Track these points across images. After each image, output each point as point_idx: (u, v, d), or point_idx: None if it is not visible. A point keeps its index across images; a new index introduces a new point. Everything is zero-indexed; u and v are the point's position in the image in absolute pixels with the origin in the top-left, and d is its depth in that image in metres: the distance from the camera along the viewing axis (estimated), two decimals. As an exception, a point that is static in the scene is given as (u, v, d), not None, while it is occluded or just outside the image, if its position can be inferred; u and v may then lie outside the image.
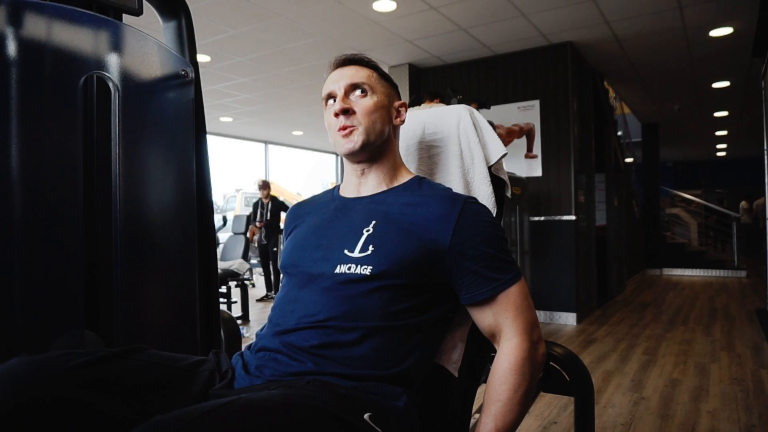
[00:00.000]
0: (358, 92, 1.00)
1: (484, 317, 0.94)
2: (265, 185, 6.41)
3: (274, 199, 6.44)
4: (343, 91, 1.00)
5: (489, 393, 0.90)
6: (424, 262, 0.91)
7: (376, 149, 1.02)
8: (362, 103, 0.99)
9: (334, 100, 1.00)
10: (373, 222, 0.96)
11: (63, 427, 0.71)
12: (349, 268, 0.91)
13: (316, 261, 0.95)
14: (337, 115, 0.99)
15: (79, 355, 0.78)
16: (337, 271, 0.91)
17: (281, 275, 1.07)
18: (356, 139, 0.98)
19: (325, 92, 1.02)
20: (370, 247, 0.92)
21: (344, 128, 0.98)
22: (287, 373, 0.86)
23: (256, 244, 6.37)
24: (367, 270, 0.89)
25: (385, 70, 5.78)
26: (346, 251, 0.93)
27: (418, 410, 0.86)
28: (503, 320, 0.92)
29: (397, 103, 1.07)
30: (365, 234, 0.94)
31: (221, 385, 0.87)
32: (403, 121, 1.07)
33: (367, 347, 0.86)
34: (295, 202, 5.10)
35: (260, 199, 6.43)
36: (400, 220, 0.94)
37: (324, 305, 0.89)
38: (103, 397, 0.75)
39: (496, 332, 0.94)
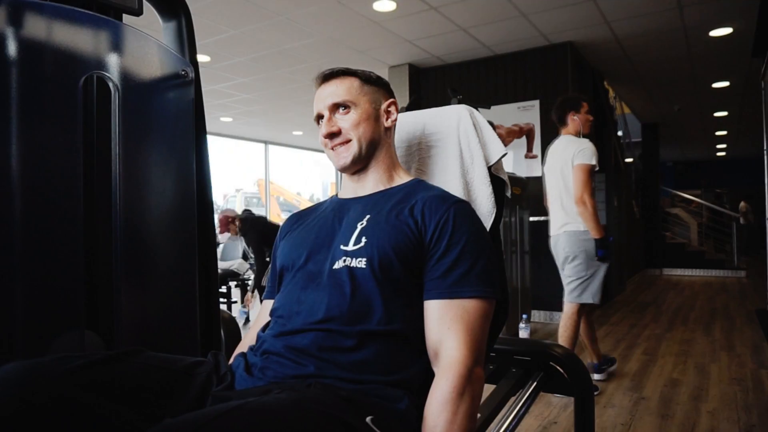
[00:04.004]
0: (341, 110, 1.02)
1: (431, 324, 0.88)
2: (225, 220, 4.44)
3: (247, 225, 4.45)
4: (328, 112, 1.03)
5: (426, 419, 0.81)
6: (412, 255, 0.91)
7: (369, 156, 1.04)
8: (346, 119, 1.02)
9: (323, 119, 1.04)
10: (368, 216, 0.98)
11: (62, 429, 0.71)
12: (344, 261, 0.92)
13: (316, 259, 0.97)
14: (326, 137, 1.03)
15: (75, 358, 0.78)
16: (335, 267, 0.92)
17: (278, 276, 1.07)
18: (347, 155, 1.02)
19: (314, 112, 1.06)
20: (363, 239, 0.93)
21: (335, 147, 1.03)
22: (289, 375, 0.86)
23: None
24: (362, 263, 0.91)
25: (385, 70, 5.70)
26: (341, 246, 0.95)
27: (418, 412, 0.86)
28: (447, 331, 0.86)
29: (385, 104, 1.07)
30: (359, 227, 0.96)
31: (222, 387, 0.88)
32: (395, 121, 1.08)
33: (368, 352, 0.87)
34: (295, 201, 5.03)
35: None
36: (391, 215, 0.96)
37: (325, 305, 0.89)
38: (101, 399, 0.75)
39: (438, 347, 0.86)
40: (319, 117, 1.05)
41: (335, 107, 1.03)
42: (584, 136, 2.85)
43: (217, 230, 4.46)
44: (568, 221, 2.75)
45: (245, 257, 5.12)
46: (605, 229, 2.73)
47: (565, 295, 2.81)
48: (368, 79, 1.06)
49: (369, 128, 1.03)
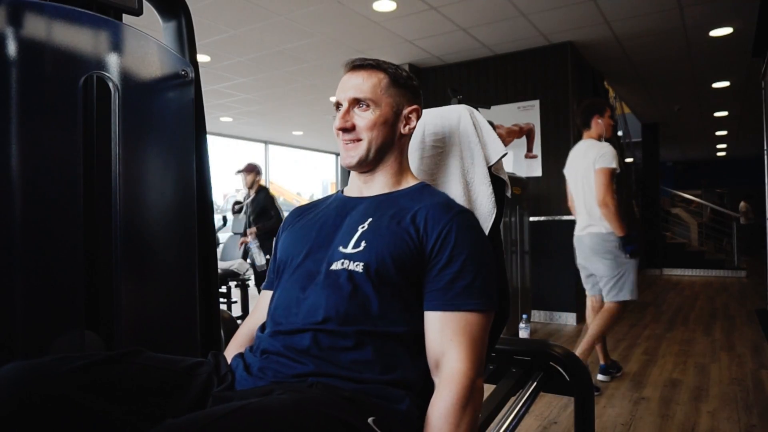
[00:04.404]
0: (361, 105, 1.01)
1: (432, 335, 0.89)
2: (250, 168, 4.69)
3: (264, 189, 4.75)
4: (347, 104, 1.01)
5: (428, 430, 0.81)
6: (410, 263, 0.91)
7: (378, 159, 1.03)
8: (363, 117, 1.00)
9: (341, 108, 1.03)
10: (370, 219, 0.97)
11: (62, 429, 0.71)
12: (342, 263, 0.92)
13: (315, 258, 0.97)
14: (338, 131, 1.02)
15: (75, 358, 0.78)
16: (333, 268, 0.92)
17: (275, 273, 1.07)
18: (354, 155, 1.01)
19: (335, 98, 1.04)
20: (363, 243, 0.93)
21: (345, 142, 1.02)
22: (290, 374, 0.86)
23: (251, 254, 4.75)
24: (359, 267, 0.90)
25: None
26: (340, 248, 0.94)
27: (420, 412, 0.86)
28: (449, 343, 0.86)
29: (407, 110, 1.05)
30: (360, 230, 0.96)
31: (222, 387, 0.87)
32: (412, 129, 1.06)
33: (367, 351, 0.87)
34: (295, 202, 5.06)
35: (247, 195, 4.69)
36: (394, 220, 0.96)
37: (322, 305, 0.89)
38: (101, 399, 0.75)
39: (439, 358, 0.87)
40: (339, 105, 1.03)
41: (355, 102, 1.01)
42: (606, 140, 2.92)
43: (242, 168, 4.71)
44: (591, 223, 2.84)
45: (245, 257, 5.12)
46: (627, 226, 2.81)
47: (604, 296, 2.86)
48: (397, 79, 1.03)
49: (383, 132, 1.01)
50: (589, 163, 2.81)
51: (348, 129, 1.01)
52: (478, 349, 0.87)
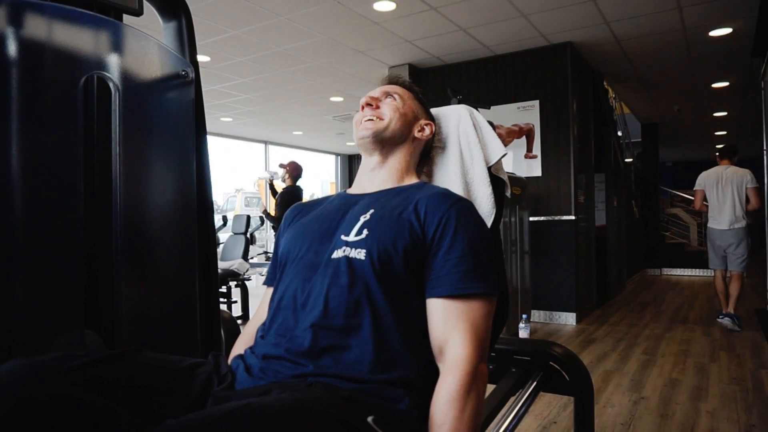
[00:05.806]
0: (390, 98, 1.12)
1: (436, 322, 0.90)
2: (297, 166, 5.06)
3: (294, 190, 5.10)
4: (378, 93, 1.14)
5: (433, 417, 0.82)
6: (412, 252, 0.92)
7: (389, 144, 1.09)
8: (388, 102, 1.12)
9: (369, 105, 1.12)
10: (372, 210, 0.99)
11: (62, 427, 0.71)
12: (343, 251, 0.93)
13: (318, 250, 0.97)
14: (363, 107, 1.11)
15: (76, 356, 0.78)
16: (334, 256, 0.93)
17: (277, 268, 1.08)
18: (370, 126, 1.08)
19: (364, 100, 1.13)
20: (365, 231, 0.94)
21: (366, 116, 1.09)
22: (290, 375, 0.86)
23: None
24: (361, 254, 0.91)
25: (385, 70, 5.70)
26: (342, 236, 0.96)
27: (419, 412, 0.86)
28: (453, 329, 0.87)
29: (423, 120, 1.15)
30: (362, 220, 0.97)
31: (222, 387, 0.88)
32: (426, 136, 1.14)
33: (367, 350, 0.87)
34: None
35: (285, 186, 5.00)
36: (395, 212, 0.97)
37: (323, 297, 0.90)
38: (102, 398, 0.75)
39: (443, 345, 0.88)
40: (364, 105, 1.12)
41: (386, 94, 1.13)
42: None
43: (283, 163, 5.06)
44: (737, 221, 4.38)
45: (245, 257, 5.13)
46: None
47: (734, 267, 4.42)
48: (420, 98, 1.18)
49: (401, 122, 1.10)
50: (742, 181, 4.39)
51: (373, 104, 1.10)
52: (481, 334, 0.88)
